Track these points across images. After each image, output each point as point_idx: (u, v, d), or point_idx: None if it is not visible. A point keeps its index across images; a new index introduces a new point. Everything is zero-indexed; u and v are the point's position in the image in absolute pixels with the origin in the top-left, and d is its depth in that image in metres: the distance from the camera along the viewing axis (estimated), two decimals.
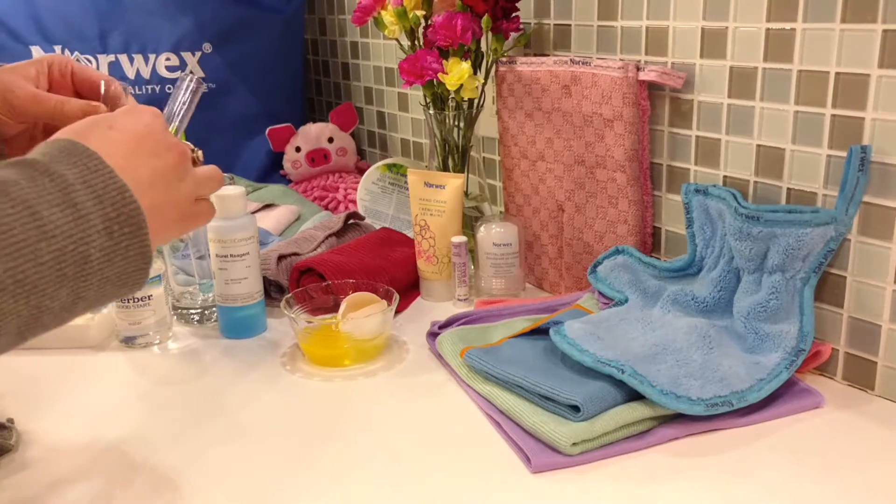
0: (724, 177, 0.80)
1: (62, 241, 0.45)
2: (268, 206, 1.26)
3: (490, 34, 0.96)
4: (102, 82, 0.70)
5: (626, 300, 0.83)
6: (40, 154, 0.48)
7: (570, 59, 0.88)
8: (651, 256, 0.86)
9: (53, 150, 0.48)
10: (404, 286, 0.97)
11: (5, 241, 0.43)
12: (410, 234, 1.04)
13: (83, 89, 0.70)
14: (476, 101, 1.00)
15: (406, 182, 1.08)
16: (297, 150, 1.42)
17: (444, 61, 0.95)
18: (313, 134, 1.42)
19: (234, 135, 1.41)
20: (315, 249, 1.00)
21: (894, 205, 0.67)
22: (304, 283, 0.93)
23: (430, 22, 0.99)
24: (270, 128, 1.41)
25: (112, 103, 0.69)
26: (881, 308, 0.70)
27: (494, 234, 0.94)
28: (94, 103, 0.67)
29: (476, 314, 0.87)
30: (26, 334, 0.45)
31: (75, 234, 0.45)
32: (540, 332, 0.79)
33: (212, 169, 0.60)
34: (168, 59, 1.33)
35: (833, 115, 0.70)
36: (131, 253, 0.48)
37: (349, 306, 0.84)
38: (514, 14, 0.97)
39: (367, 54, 1.41)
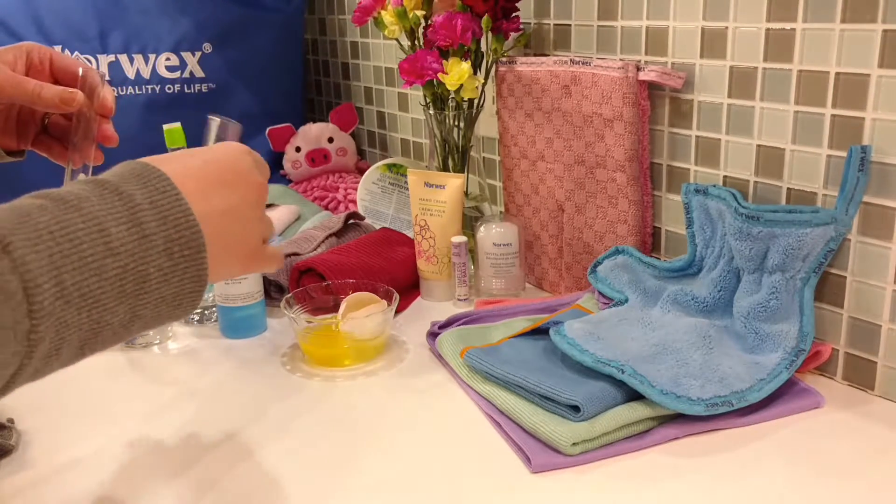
0: (724, 177, 0.80)
1: (126, 259, 0.45)
2: (268, 206, 1.26)
3: (490, 34, 0.96)
4: (80, 70, 0.70)
5: (626, 300, 0.83)
6: (112, 174, 0.49)
7: (570, 59, 0.88)
8: (651, 256, 0.86)
9: (125, 171, 0.49)
10: (404, 286, 0.97)
11: (75, 255, 0.43)
12: (410, 234, 1.04)
13: (61, 77, 0.71)
14: (476, 101, 1.00)
15: (406, 182, 1.08)
16: (297, 150, 1.42)
17: (444, 61, 0.95)
18: (313, 134, 1.42)
19: None
20: (315, 249, 1.00)
21: (894, 205, 0.67)
22: (304, 283, 0.93)
23: (430, 22, 0.99)
24: (270, 128, 1.41)
25: (89, 92, 0.69)
26: (881, 308, 0.70)
27: (494, 234, 0.94)
28: (71, 90, 0.68)
29: (476, 314, 0.87)
30: (86, 349, 0.46)
31: (138, 253, 0.46)
32: (540, 332, 0.79)
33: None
34: (168, 59, 1.33)
35: (833, 115, 0.70)
36: (188, 275, 0.48)
37: (349, 306, 0.84)
38: (514, 14, 0.97)
39: (367, 54, 1.41)
